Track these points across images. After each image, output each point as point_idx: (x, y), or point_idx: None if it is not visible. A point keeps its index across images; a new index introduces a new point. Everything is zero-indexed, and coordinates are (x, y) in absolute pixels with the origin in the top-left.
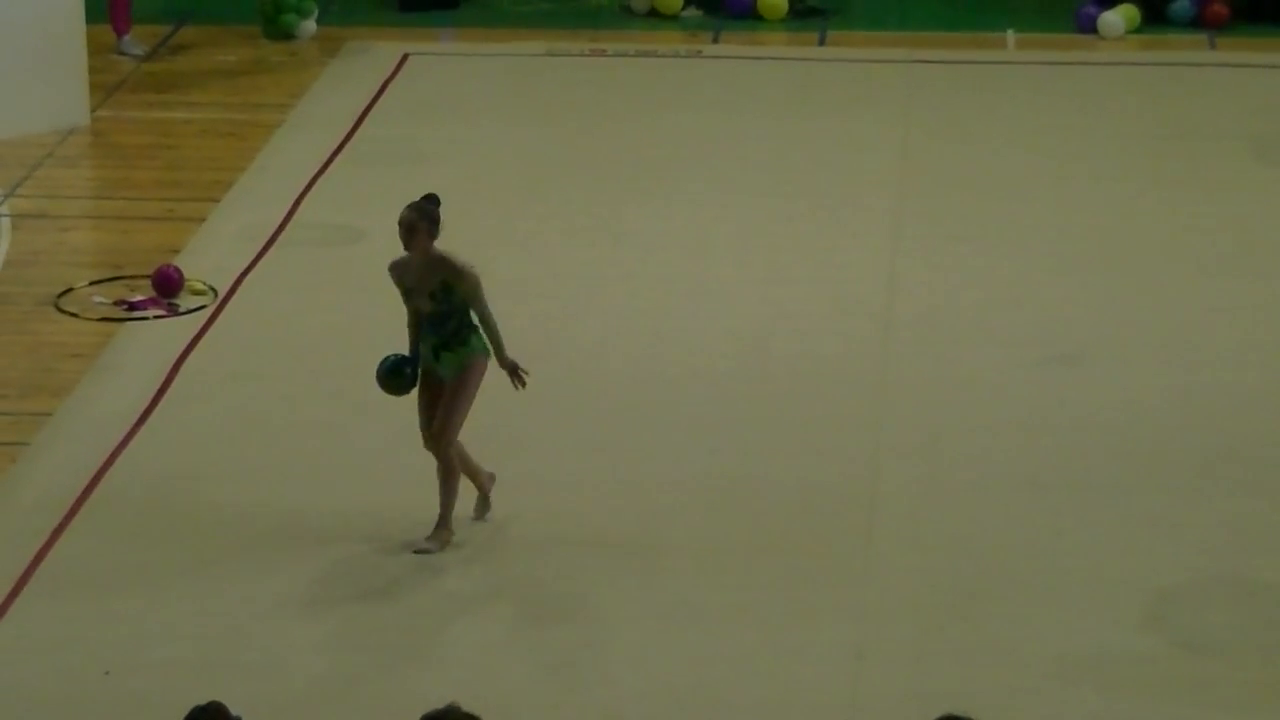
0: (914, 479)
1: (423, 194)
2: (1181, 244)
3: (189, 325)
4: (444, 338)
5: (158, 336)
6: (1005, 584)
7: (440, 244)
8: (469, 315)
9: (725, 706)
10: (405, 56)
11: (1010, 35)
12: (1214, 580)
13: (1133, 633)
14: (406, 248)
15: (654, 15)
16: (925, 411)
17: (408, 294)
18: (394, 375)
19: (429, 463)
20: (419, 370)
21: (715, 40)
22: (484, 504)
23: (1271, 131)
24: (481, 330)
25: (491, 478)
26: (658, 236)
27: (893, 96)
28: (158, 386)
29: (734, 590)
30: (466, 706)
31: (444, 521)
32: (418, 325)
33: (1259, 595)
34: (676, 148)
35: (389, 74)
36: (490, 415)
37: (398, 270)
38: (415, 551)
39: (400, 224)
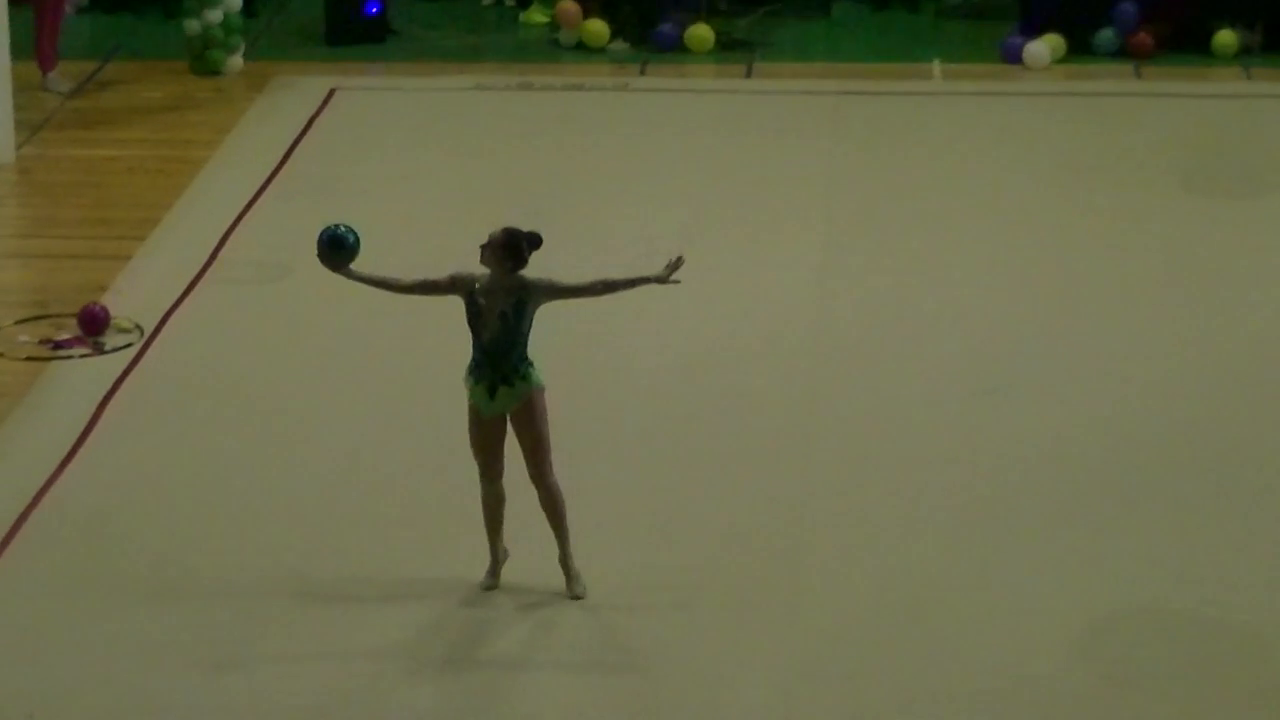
0: (842, 512)
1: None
2: (1108, 274)
3: (115, 363)
4: (504, 372)
5: (84, 375)
6: (934, 617)
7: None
8: (527, 347)
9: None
10: (333, 91)
11: (937, 66)
12: (1139, 612)
13: (1059, 665)
14: (487, 263)
15: (581, 48)
16: (853, 443)
17: (476, 315)
18: (335, 246)
19: (362, 503)
20: (359, 243)
21: (642, 73)
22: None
23: (1197, 160)
24: (607, 292)
25: (506, 553)
26: (586, 270)
27: (820, 128)
28: (84, 425)
29: (660, 626)
30: None
31: (566, 559)
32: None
33: (1183, 627)
34: (605, 181)
35: (316, 109)
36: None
37: (468, 285)
38: (572, 597)
39: (492, 241)
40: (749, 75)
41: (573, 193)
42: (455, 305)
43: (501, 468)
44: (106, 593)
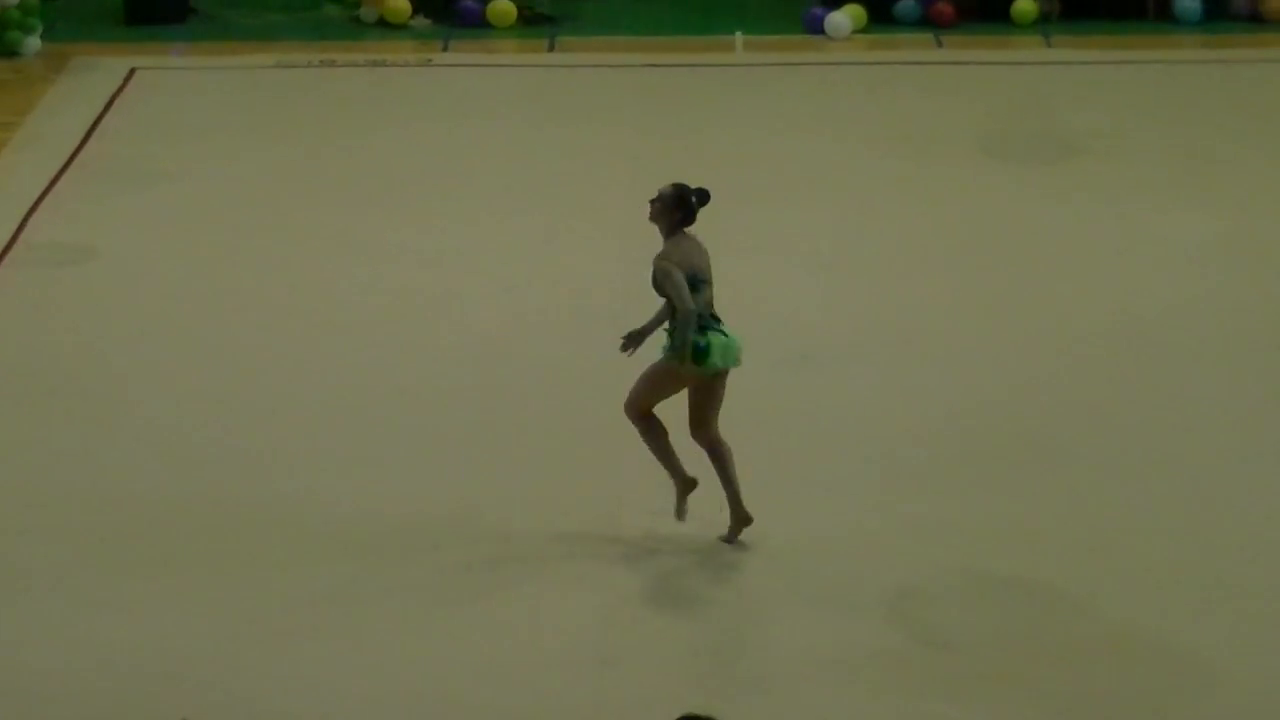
0: (656, 479)
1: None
2: (913, 242)
3: None
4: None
5: None
6: (749, 584)
7: (177, 262)
8: (671, 316)
9: (472, 717)
10: (133, 71)
11: (739, 38)
12: (951, 575)
13: (875, 631)
14: (655, 219)
15: (383, 25)
16: (665, 414)
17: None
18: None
19: (181, 485)
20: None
21: (445, 49)
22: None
23: (999, 128)
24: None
25: (694, 482)
26: (392, 247)
27: (624, 101)
28: None
29: (479, 600)
30: None
31: (734, 505)
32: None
33: (995, 591)
34: (410, 158)
35: (117, 89)
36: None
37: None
38: (722, 539)
39: (661, 195)
40: (551, 49)
41: (377, 170)
42: (259, 285)
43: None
44: None
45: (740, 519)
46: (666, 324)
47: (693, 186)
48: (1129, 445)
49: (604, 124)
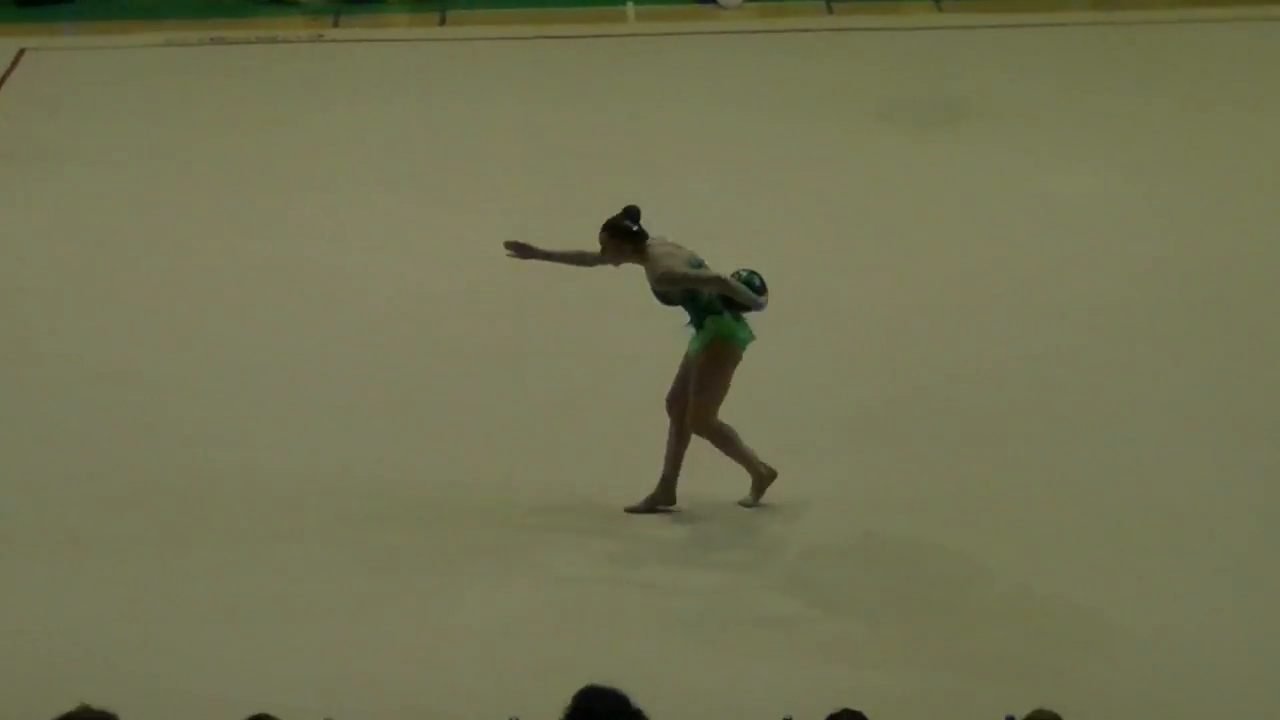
0: (550, 454)
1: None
2: (807, 209)
3: None
4: (691, 319)
5: None
6: (646, 552)
7: (70, 243)
8: (701, 303)
9: (372, 689)
10: (21, 52)
11: (630, 8)
12: (850, 544)
13: (776, 595)
14: (609, 260)
15: (274, 1)
16: (559, 387)
17: None
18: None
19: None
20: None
21: (336, 24)
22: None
23: (892, 94)
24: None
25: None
26: (290, 225)
27: (517, 73)
28: None
29: (377, 576)
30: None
31: (756, 478)
32: None
33: (894, 558)
34: (304, 135)
35: (5, 71)
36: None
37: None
38: (628, 510)
39: (602, 241)
40: (443, 23)
41: (271, 148)
42: (158, 264)
43: (675, 398)
44: None
45: (667, 495)
46: (691, 320)
47: (618, 214)
48: (1021, 406)
49: (497, 97)
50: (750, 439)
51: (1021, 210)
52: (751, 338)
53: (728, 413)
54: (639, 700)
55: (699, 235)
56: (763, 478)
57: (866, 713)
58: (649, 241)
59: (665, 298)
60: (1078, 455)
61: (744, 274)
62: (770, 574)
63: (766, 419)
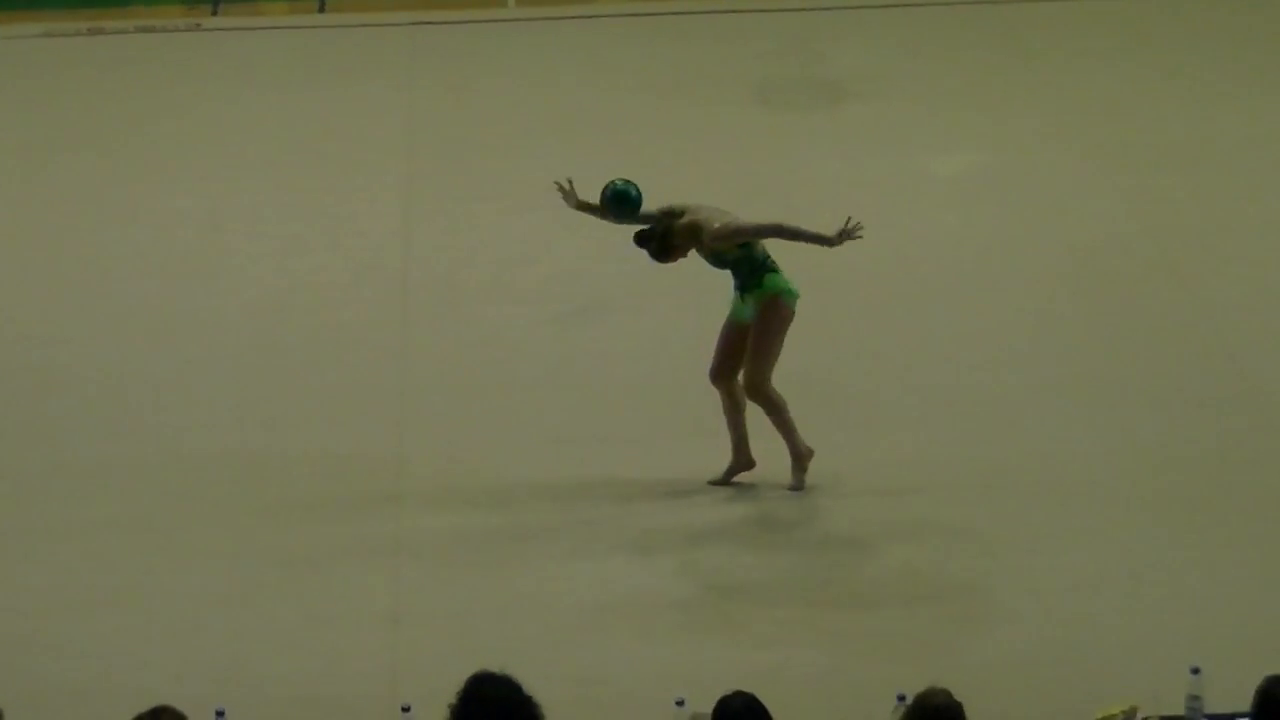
0: (441, 440)
1: None
2: (688, 192)
3: None
4: (741, 281)
5: None
6: (538, 538)
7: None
8: (758, 260)
9: (266, 682)
10: None
11: None
12: (741, 522)
13: (668, 579)
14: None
15: None
16: (448, 372)
17: None
18: (619, 200)
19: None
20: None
21: (215, 12)
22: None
23: (773, 75)
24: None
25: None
26: (168, 215)
27: (397, 60)
28: None
29: (267, 566)
30: None
31: (795, 454)
32: None
33: (782, 537)
34: (183, 124)
35: None
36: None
37: None
38: (711, 483)
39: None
40: (322, 10)
41: (150, 138)
42: (31, 255)
43: (722, 369)
44: None
45: (742, 460)
46: (738, 283)
47: (641, 240)
48: (906, 385)
49: (377, 84)
50: (641, 419)
51: (895, 187)
52: (799, 294)
53: (610, 382)
54: (529, 686)
55: (577, 219)
56: (801, 455)
57: (757, 694)
58: (687, 210)
59: (719, 257)
60: (967, 432)
61: (619, 184)
62: (659, 558)
63: (653, 399)
